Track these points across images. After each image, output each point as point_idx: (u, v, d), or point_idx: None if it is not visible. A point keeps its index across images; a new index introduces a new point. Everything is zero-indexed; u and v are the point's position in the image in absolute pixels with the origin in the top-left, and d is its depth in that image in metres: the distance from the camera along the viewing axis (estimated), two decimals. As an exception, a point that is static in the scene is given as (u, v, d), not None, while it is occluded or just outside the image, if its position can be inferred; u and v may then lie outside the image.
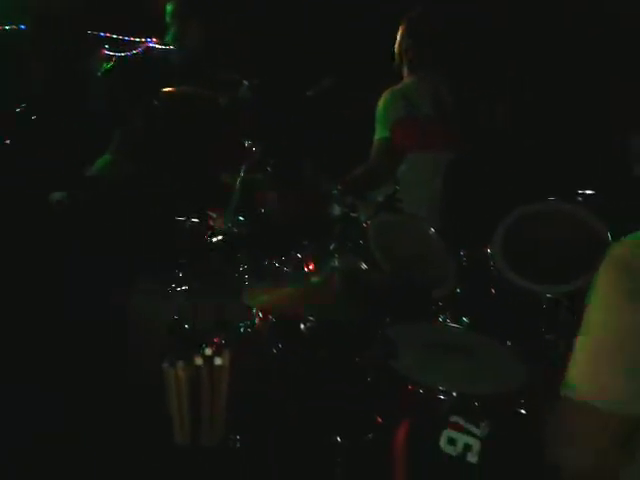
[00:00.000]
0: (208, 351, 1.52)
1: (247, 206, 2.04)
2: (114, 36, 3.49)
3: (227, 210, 1.95)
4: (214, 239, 1.91)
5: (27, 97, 3.17)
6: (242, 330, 1.91)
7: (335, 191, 1.61)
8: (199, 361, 1.49)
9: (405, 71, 2.87)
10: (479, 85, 3.08)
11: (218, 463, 1.50)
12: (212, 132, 2.27)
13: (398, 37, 2.89)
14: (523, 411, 1.69)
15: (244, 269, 2.01)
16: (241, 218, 1.98)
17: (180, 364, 1.48)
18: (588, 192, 2.30)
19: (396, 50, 2.89)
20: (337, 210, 1.62)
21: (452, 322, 2.24)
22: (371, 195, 2.80)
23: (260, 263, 2.04)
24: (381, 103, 2.76)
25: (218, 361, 1.50)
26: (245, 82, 2.07)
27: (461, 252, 2.41)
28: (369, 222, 2.31)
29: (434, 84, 2.82)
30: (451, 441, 1.51)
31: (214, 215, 1.95)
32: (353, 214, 1.77)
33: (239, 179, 1.98)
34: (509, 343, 2.01)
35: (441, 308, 2.30)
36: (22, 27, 3.85)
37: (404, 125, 2.71)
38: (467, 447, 1.52)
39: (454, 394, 1.75)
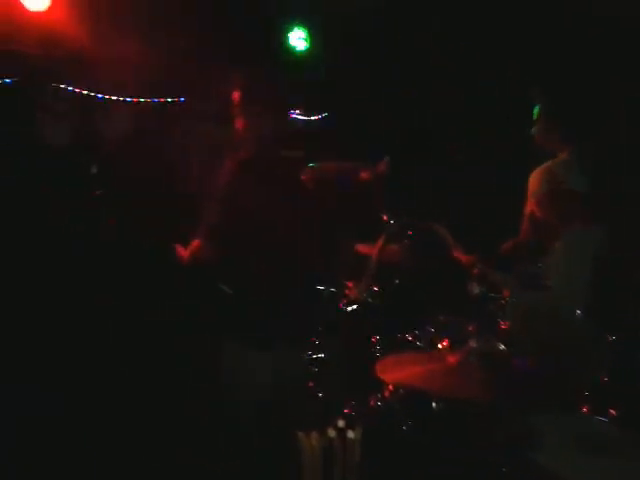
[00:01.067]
0: (341, 423, 1.52)
1: (383, 277, 2.06)
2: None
3: (363, 280, 1.98)
4: (349, 308, 1.94)
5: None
6: (372, 403, 1.89)
7: (476, 269, 1.57)
8: (332, 433, 1.50)
9: (556, 148, 2.79)
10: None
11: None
12: (350, 204, 2.34)
13: (540, 116, 2.83)
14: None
15: (377, 340, 2.01)
16: (376, 289, 2.00)
17: (314, 434, 1.49)
18: None
19: (539, 131, 2.83)
20: (476, 288, 1.59)
21: (598, 414, 2.06)
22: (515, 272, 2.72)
23: (393, 335, 2.03)
24: (531, 178, 2.71)
25: (350, 434, 1.50)
26: (386, 157, 2.14)
27: (611, 338, 2.23)
28: (512, 300, 2.22)
29: (581, 159, 2.73)
30: None
31: (350, 285, 1.99)
32: (492, 294, 1.72)
33: (376, 250, 2.02)
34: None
35: (588, 398, 2.13)
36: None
37: (546, 199, 2.63)
38: None
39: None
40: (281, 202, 2.25)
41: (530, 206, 2.65)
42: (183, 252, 2.40)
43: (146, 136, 4.35)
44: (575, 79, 3.07)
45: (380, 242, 2.02)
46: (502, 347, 2.10)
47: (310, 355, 1.95)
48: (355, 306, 1.94)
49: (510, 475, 1.82)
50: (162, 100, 4.52)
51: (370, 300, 1.95)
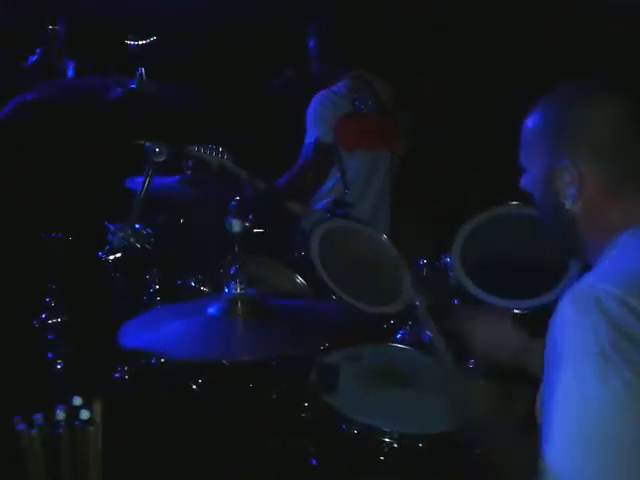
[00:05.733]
0: (77, 401, 1.23)
1: (151, 214, 1.74)
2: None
3: (128, 221, 1.64)
4: (111, 257, 1.60)
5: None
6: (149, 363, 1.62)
7: (234, 203, 1.31)
8: (61, 415, 1.21)
9: (333, 73, 2.61)
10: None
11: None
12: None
13: (317, 40, 2.61)
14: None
15: (155, 290, 1.71)
16: (148, 230, 1.67)
17: (37, 420, 1.19)
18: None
19: (317, 54, 2.62)
20: (237, 225, 1.33)
21: (410, 339, 1.98)
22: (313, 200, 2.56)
23: (172, 282, 1.75)
24: (316, 105, 2.51)
25: (85, 414, 1.22)
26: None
27: (420, 262, 2.15)
28: (314, 230, 2.04)
29: (369, 82, 2.63)
30: None
31: (113, 228, 1.64)
32: (258, 229, 1.47)
33: (143, 185, 1.67)
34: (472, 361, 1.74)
35: (395, 326, 2.04)
36: None
37: (350, 122, 2.50)
38: None
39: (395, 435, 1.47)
40: None
41: (323, 134, 2.48)
42: None
43: None
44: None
45: (147, 176, 1.67)
46: (299, 280, 1.94)
47: (45, 318, 1.59)
48: (119, 254, 1.61)
49: (309, 421, 1.68)
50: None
51: (138, 245, 1.62)
